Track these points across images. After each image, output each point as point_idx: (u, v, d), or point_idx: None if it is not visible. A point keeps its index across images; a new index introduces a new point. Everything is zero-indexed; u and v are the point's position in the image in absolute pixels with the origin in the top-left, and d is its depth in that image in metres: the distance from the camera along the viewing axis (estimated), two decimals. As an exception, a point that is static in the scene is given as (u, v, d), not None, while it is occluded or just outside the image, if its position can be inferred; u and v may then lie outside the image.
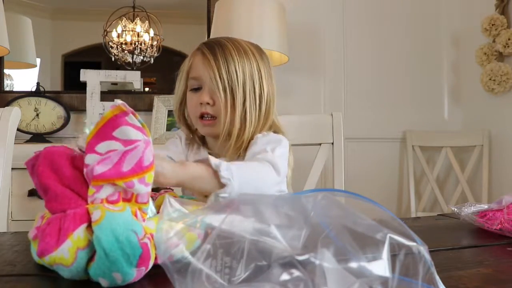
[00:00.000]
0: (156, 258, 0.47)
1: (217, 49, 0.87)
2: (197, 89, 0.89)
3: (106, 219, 0.44)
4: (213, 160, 0.64)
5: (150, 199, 0.53)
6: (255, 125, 0.87)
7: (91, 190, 0.47)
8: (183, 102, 0.94)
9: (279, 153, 0.81)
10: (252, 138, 0.87)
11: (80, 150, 0.50)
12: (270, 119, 0.90)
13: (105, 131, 0.48)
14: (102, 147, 0.47)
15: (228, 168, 0.64)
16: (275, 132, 0.92)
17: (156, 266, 0.46)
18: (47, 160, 0.49)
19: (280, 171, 0.76)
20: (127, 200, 0.49)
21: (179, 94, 0.93)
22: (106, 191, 0.47)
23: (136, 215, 0.48)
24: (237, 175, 0.64)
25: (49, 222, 0.46)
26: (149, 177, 0.48)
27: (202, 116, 0.87)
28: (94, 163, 0.46)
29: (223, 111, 0.85)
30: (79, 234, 0.45)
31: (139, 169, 0.47)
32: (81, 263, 0.45)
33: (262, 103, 0.88)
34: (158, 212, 0.55)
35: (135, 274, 0.45)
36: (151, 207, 0.54)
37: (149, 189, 0.49)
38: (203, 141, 0.98)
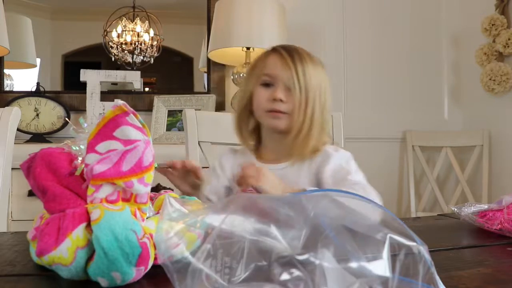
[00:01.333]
0: (155, 258, 0.47)
1: (294, 52, 0.92)
2: (268, 85, 0.92)
3: (105, 218, 0.44)
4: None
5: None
6: (319, 131, 0.91)
7: (90, 189, 0.47)
8: (248, 102, 0.97)
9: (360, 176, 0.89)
10: (318, 149, 0.92)
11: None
12: (326, 130, 0.95)
13: (106, 131, 0.48)
14: (102, 146, 0.47)
15: None
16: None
17: (156, 266, 0.46)
18: (44, 161, 0.49)
19: (376, 198, 0.82)
20: (126, 200, 0.49)
21: (246, 92, 0.97)
22: (105, 190, 0.47)
23: (135, 215, 0.48)
24: None
25: (48, 222, 0.46)
26: (148, 177, 0.48)
27: (271, 111, 0.91)
28: (94, 163, 0.46)
29: (296, 109, 0.89)
30: (78, 234, 0.45)
31: (139, 169, 0.47)
32: (81, 262, 0.45)
33: (324, 111, 0.93)
34: (157, 213, 0.55)
35: (134, 273, 0.45)
36: (150, 207, 0.54)
37: (148, 189, 0.49)
38: (256, 148, 1.01)
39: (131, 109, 0.48)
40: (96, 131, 0.48)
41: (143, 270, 0.46)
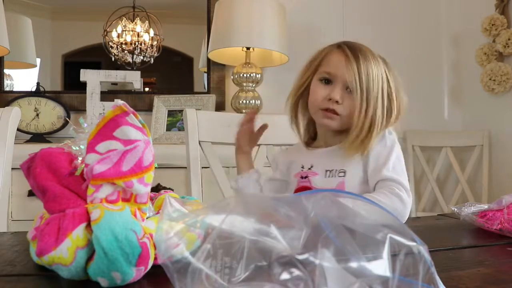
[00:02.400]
0: (155, 258, 0.47)
1: (359, 52, 0.90)
2: (327, 82, 0.91)
3: (105, 218, 0.44)
4: None
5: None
6: (371, 130, 0.89)
7: (90, 189, 0.47)
8: (304, 92, 0.96)
9: (400, 169, 0.86)
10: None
11: None
12: (389, 124, 0.93)
13: (106, 131, 0.48)
14: (102, 146, 0.47)
15: None
16: None
17: (156, 266, 0.46)
18: (44, 161, 0.49)
19: (405, 202, 0.81)
20: (126, 200, 0.49)
21: (303, 83, 0.96)
22: (106, 190, 0.47)
23: (135, 215, 0.48)
24: None
25: (48, 222, 0.46)
26: (148, 177, 0.48)
27: (325, 109, 0.90)
28: (94, 163, 0.46)
29: (356, 112, 0.87)
30: (78, 233, 0.45)
31: (139, 169, 0.47)
32: (81, 262, 0.45)
33: (389, 115, 0.91)
34: (157, 213, 0.55)
35: (134, 273, 0.45)
36: (150, 207, 0.54)
37: (148, 189, 0.49)
38: (312, 139, 1.01)
39: (131, 109, 0.48)
40: (96, 131, 0.48)
41: (143, 270, 0.46)
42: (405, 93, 0.96)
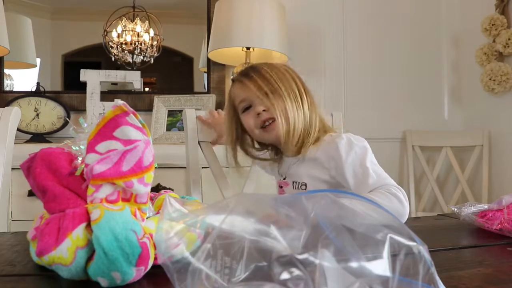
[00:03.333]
0: (155, 258, 0.47)
1: (250, 71, 0.98)
2: (248, 108, 0.98)
3: (105, 218, 0.44)
4: None
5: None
6: (303, 123, 0.95)
7: (90, 189, 0.47)
8: (238, 133, 1.04)
9: (379, 171, 0.93)
10: (317, 139, 0.96)
11: None
12: (315, 122, 0.97)
13: (106, 131, 0.48)
14: (102, 146, 0.47)
15: None
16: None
17: (156, 266, 0.46)
18: (44, 161, 0.49)
19: (403, 201, 0.84)
20: (126, 200, 0.49)
21: (235, 127, 1.03)
22: (105, 190, 0.47)
23: (135, 215, 0.48)
24: None
25: (48, 222, 0.46)
26: (148, 177, 0.48)
27: (263, 126, 0.96)
28: (94, 163, 0.46)
29: (279, 111, 0.93)
30: (78, 233, 0.45)
31: (139, 169, 0.47)
32: (81, 262, 0.45)
33: (304, 103, 0.96)
34: (157, 213, 0.55)
35: (134, 273, 0.45)
36: (150, 207, 0.54)
37: (148, 189, 0.49)
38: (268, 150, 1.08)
39: (131, 109, 0.48)
40: (96, 131, 0.48)
41: (143, 270, 0.46)
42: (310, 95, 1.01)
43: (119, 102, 0.48)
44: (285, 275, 0.33)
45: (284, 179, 1.04)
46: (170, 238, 0.39)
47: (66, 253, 0.44)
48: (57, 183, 0.48)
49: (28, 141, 1.99)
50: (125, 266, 0.43)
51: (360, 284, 0.32)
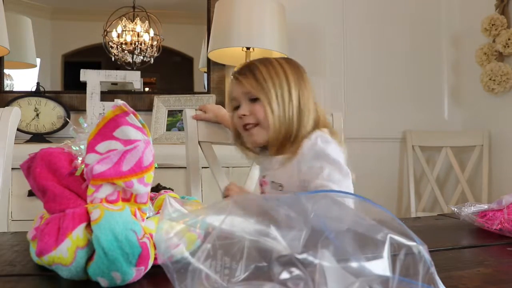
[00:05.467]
0: (155, 258, 0.47)
1: (245, 69, 0.97)
2: (237, 108, 0.99)
3: (105, 218, 0.44)
4: None
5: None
6: (287, 127, 0.94)
7: (90, 189, 0.47)
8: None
9: (327, 174, 0.87)
10: (298, 139, 0.94)
11: None
12: (305, 123, 0.95)
13: (106, 131, 0.48)
14: (102, 146, 0.47)
15: None
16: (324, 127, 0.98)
17: (156, 266, 0.46)
18: (44, 161, 0.49)
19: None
20: (126, 200, 0.49)
21: (231, 119, 1.04)
22: (105, 190, 0.47)
23: (135, 215, 0.48)
24: None
25: (48, 222, 0.46)
26: (148, 177, 0.48)
27: (245, 128, 0.97)
28: (94, 163, 0.46)
29: (263, 117, 0.93)
30: (78, 233, 0.45)
31: (139, 169, 0.47)
32: (81, 262, 0.45)
33: (290, 108, 0.94)
34: (157, 213, 0.55)
35: (134, 273, 0.45)
36: (150, 207, 0.54)
37: (148, 189, 0.49)
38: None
39: (131, 109, 0.48)
40: (96, 131, 0.48)
41: (143, 270, 0.46)
42: (316, 100, 1.00)
43: (119, 102, 0.48)
44: (285, 275, 0.33)
45: (264, 177, 1.03)
46: (170, 238, 0.39)
47: (66, 253, 0.44)
48: (57, 183, 0.48)
49: (28, 141, 1.99)
50: (125, 266, 0.43)
51: (360, 284, 0.32)
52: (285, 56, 1.03)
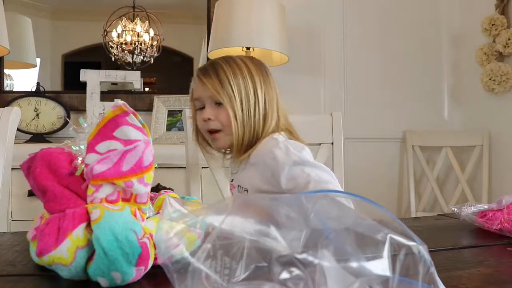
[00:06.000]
0: (155, 258, 0.47)
1: (210, 70, 0.94)
2: (201, 109, 0.96)
3: (105, 218, 0.44)
4: None
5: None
6: (251, 131, 0.92)
7: (90, 189, 0.47)
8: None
9: (317, 176, 0.84)
10: (256, 141, 0.93)
11: None
12: (268, 124, 0.94)
13: (106, 131, 0.48)
14: (102, 146, 0.47)
15: None
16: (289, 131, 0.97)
17: (156, 266, 0.46)
18: (44, 161, 0.49)
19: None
20: (126, 200, 0.49)
21: (194, 119, 1.01)
22: (105, 190, 0.47)
23: (135, 215, 0.48)
24: None
25: (48, 222, 0.46)
26: (148, 177, 0.48)
27: (210, 132, 0.95)
28: (94, 163, 0.46)
29: (226, 123, 0.91)
30: (78, 233, 0.45)
31: (139, 169, 0.47)
32: (81, 262, 0.45)
33: (257, 111, 0.92)
34: (157, 213, 0.55)
35: (134, 273, 0.45)
36: (150, 207, 0.54)
37: (148, 189, 0.49)
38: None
39: (131, 109, 0.48)
40: (96, 131, 0.48)
41: (143, 270, 0.46)
42: (282, 100, 0.98)
43: (119, 102, 0.48)
44: (285, 275, 0.33)
45: (232, 181, 1.02)
46: (170, 238, 0.39)
47: (66, 253, 0.44)
48: (57, 183, 0.48)
49: (28, 141, 1.99)
50: (125, 266, 0.43)
51: (360, 284, 0.32)
52: (249, 55, 1.00)
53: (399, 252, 0.35)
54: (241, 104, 0.91)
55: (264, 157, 0.90)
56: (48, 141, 2.03)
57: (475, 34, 2.24)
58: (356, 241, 0.35)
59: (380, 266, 0.33)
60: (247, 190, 0.95)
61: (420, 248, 0.35)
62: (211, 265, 0.34)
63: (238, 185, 0.98)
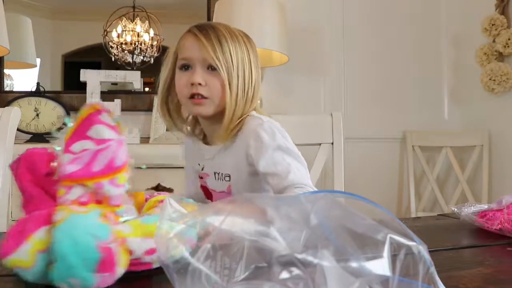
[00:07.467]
0: (136, 264, 0.45)
1: (210, 31, 0.85)
2: (187, 69, 0.87)
3: (66, 221, 0.42)
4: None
5: (131, 201, 0.50)
6: (242, 108, 0.86)
7: (62, 190, 0.45)
8: (170, 88, 0.92)
9: (296, 169, 0.82)
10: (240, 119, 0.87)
11: None
12: (254, 104, 0.90)
13: (80, 130, 0.46)
14: (76, 146, 0.46)
15: None
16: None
17: (157, 267, 0.45)
18: (26, 162, 0.48)
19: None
20: (99, 202, 0.46)
21: (167, 80, 0.91)
22: (76, 192, 0.45)
23: (106, 218, 0.45)
24: None
25: (17, 223, 0.44)
26: (121, 178, 0.46)
27: (192, 96, 0.85)
28: (66, 163, 0.45)
29: (217, 92, 0.84)
30: (40, 236, 0.42)
31: (110, 169, 0.45)
32: (41, 266, 0.42)
33: (250, 88, 0.87)
34: (147, 215, 0.53)
35: (96, 280, 0.42)
36: (132, 210, 0.51)
37: (121, 190, 0.47)
38: (193, 129, 0.98)
39: (106, 107, 0.47)
40: (72, 131, 0.47)
41: (109, 276, 0.43)
42: (258, 72, 0.91)
43: (93, 101, 0.47)
44: (284, 275, 0.33)
45: (202, 169, 0.94)
46: (170, 238, 0.39)
47: (26, 256, 0.42)
48: (35, 185, 0.46)
49: (28, 141, 1.99)
50: (84, 272, 0.41)
51: (360, 284, 0.32)
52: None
53: (399, 252, 0.34)
54: (237, 75, 0.84)
55: (248, 135, 0.85)
56: (48, 141, 2.03)
57: (475, 34, 2.24)
58: (356, 241, 0.35)
59: (380, 266, 0.34)
60: (229, 176, 0.89)
61: (420, 248, 0.35)
62: (211, 265, 0.34)
63: (215, 172, 0.91)
